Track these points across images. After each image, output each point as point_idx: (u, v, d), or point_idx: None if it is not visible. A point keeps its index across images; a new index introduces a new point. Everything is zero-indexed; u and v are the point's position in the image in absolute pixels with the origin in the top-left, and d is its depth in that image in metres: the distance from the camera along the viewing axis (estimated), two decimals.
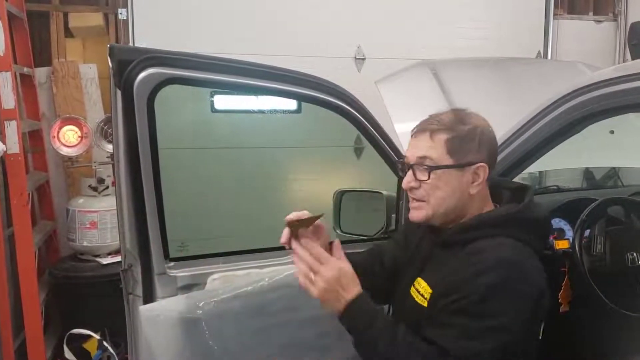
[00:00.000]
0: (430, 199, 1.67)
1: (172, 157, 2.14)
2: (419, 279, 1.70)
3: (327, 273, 1.60)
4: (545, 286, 1.59)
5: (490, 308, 1.49)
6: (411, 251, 1.86)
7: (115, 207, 3.82)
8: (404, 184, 1.71)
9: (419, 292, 1.68)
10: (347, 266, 1.63)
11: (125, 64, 1.75)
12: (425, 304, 1.64)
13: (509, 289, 1.51)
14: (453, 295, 1.53)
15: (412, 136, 1.73)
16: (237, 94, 2.43)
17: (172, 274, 2.00)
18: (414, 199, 1.71)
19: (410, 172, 1.69)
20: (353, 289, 1.61)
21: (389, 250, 1.98)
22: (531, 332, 1.62)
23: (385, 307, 1.90)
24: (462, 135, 1.64)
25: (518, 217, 1.65)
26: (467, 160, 1.64)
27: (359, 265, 1.72)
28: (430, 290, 1.64)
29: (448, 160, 1.64)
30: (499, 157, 2.03)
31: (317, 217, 1.71)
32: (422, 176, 1.66)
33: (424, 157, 1.66)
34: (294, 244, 1.67)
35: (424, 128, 1.68)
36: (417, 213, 1.70)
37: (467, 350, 1.48)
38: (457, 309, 1.52)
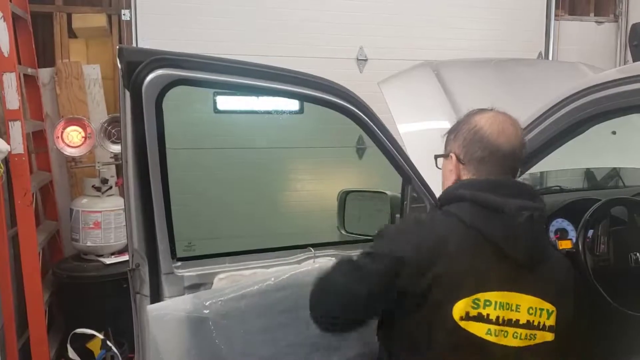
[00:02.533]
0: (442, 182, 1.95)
1: (177, 157, 2.15)
2: None
3: None
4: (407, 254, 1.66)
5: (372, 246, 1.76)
6: None
7: (119, 207, 3.92)
8: None
9: None
10: None
11: (134, 66, 1.76)
12: None
13: (377, 237, 1.79)
14: None
15: None
16: (244, 95, 2.44)
17: (179, 274, 2.01)
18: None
19: None
20: None
21: None
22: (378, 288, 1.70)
23: None
24: (452, 129, 1.87)
25: (446, 192, 1.83)
26: (447, 149, 1.86)
27: None
28: None
29: (441, 151, 1.91)
30: None
31: None
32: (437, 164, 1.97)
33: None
34: None
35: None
36: None
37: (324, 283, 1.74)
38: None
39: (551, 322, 1.71)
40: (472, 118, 1.80)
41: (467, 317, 1.64)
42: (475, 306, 1.64)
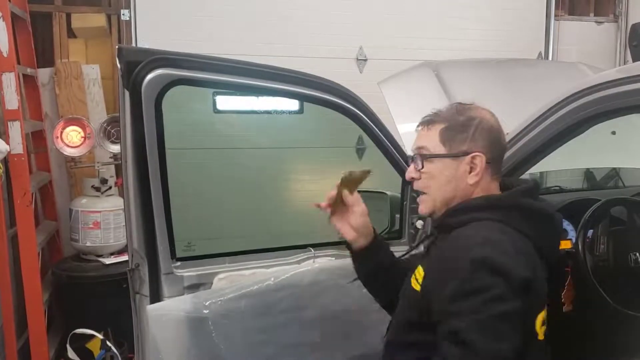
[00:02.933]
0: (430, 190, 1.71)
1: (177, 157, 2.15)
2: (419, 267, 1.71)
3: None
4: (528, 272, 1.52)
5: (479, 282, 1.45)
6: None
7: (118, 207, 3.91)
8: (406, 175, 1.76)
9: (416, 278, 1.68)
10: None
11: (133, 65, 1.76)
12: (419, 288, 1.64)
13: (489, 263, 1.47)
14: (444, 280, 1.52)
15: (415, 130, 1.78)
16: (243, 95, 2.44)
17: (178, 274, 2.02)
18: (416, 191, 1.76)
19: (411, 164, 1.75)
20: None
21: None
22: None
23: None
24: (457, 125, 1.67)
25: (504, 203, 1.64)
26: (461, 149, 1.65)
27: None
28: (423, 274, 1.65)
29: (441, 150, 1.67)
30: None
31: (367, 172, 1.85)
32: (419, 166, 1.71)
33: (420, 147, 1.72)
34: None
35: (424, 120, 1.74)
36: (422, 206, 1.75)
37: (480, 332, 1.42)
38: (452, 295, 1.48)
39: None
40: (475, 112, 1.69)
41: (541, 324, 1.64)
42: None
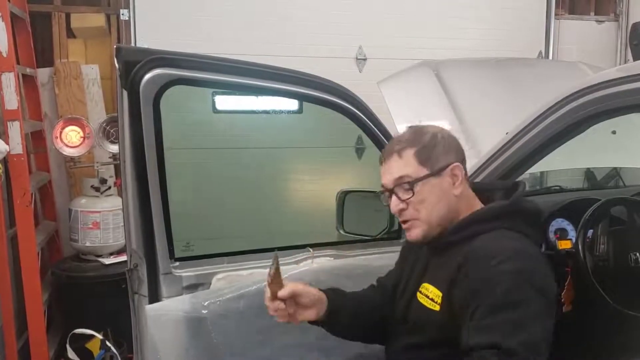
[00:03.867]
0: (421, 214, 1.68)
1: (176, 157, 2.14)
2: (425, 284, 1.70)
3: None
4: (553, 277, 1.62)
5: (518, 296, 1.48)
6: (410, 265, 1.85)
7: (118, 207, 3.91)
8: (393, 209, 1.72)
9: (427, 297, 1.67)
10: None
11: (131, 65, 1.76)
12: (438, 308, 1.63)
13: (528, 276, 1.52)
14: (478, 296, 1.51)
15: (381, 164, 1.76)
16: (242, 95, 2.44)
17: (177, 274, 2.01)
18: (405, 221, 1.72)
19: (394, 197, 1.70)
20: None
21: (390, 279, 1.96)
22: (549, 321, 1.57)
23: None
24: (427, 144, 1.69)
25: (511, 210, 1.68)
26: (440, 165, 1.68)
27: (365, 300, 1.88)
28: (440, 293, 1.63)
29: (424, 171, 1.67)
30: (502, 158, 2.05)
31: (275, 258, 1.69)
32: (406, 195, 1.68)
33: (400, 177, 1.69)
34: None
35: (390, 151, 1.73)
36: (414, 232, 1.71)
37: (524, 345, 1.43)
38: (490, 307, 1.49)
39: None
40: (433, 129, 1.74)
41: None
42: None
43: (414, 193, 1.66)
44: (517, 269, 1.51)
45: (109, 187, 4.08)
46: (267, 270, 1.67)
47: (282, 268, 1.90)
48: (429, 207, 1.67)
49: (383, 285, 1.94)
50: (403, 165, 1.68)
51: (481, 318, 1.49)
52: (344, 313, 1.81)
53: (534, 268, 1.55)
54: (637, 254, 2.29)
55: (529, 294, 1.49)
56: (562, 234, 2.51)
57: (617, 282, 2.26)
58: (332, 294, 1.81)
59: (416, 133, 1.72)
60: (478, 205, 1.75)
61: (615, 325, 2.25)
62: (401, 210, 1.70)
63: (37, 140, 4.29)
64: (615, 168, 3.63)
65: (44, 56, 4.53)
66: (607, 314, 2.23)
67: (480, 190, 1.79)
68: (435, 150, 1.68)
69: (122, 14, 4.59)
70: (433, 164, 1.67)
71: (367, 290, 1.97)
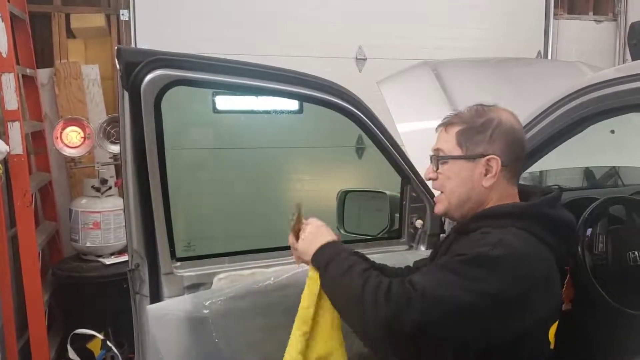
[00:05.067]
0: (445, 190, 1.73)
1: (177, 157, 2.15)
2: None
3: (307, 228, 1.72)
4: (542, 282, 1.53)
5: (475, 272, 1.43)
6: (439, 249, 1.86)
7: (118, 208, 3.92)
8: (424, 175, 1.79)
9: None
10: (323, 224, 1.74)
11: (132, 66, 1.76)
12: None
13: (501, 265, 1.45)
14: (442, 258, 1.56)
15: (435, 131, 1.79)
16: (242, 95, 2.44)
17: (178, 274, 2.02)
18: (435, 189, 1.78)
19: (429, 165, 1.76)
20: (327, 237, 1.69)
21: (424, 262, 1.98)
22: (512, 323, 1.50)
23: None
24: (475, 127, 1.67)
25: (526, 211, 1.63)
26: (477, 151, 1.66)
27: None
28: None
29: (458, 152, 1.68)
30: None
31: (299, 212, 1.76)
32: (436, 167, 1.73)
33: (438, 149, 1.73)
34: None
35: (443, 121, 1.75)
36: (438, 206, 1.77)
37: (432, 291, 1.38)
38: (443, 264, 1.50)
39: None
40: (494, 114, 1.69)
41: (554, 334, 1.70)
42: None
43: (438, 168, 1.71)
44: (495, 256, 1.46)
45: (110, 188, 4.08)
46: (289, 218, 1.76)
47: (283, 267, 1.92)
48: (451, 186, 1.70)
49: (417, 267, 1.96)
50: (445, 139, 1.71)
51: (429, 267, 1.55)
52: None
53: (517, 267, 1.47)
54: (636, 253, 2.30)
55: (483, 277, 1.42)
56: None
57: (616, 280, 2.27)
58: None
59: (475, 113, 1.70)
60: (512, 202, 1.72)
61: (614, 324, 2.26)
62: (430, 179, 1.76)
63: (37, 141, 4.29)
64: (614, 167, 3.64)
65: (44, 57, 4.53)
66: (606, 313, 2.24)
67: (523, 192, 1.76)
68: (479, 135, 1.66)
69: (122, 14, 4.59)
70: (470, 148, 1.67)
71: (400, 268, 1.99)
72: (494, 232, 1.55)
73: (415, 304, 1.36)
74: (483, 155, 1.65)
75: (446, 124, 1.73)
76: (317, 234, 1.71)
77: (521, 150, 1.72)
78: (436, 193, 1.82)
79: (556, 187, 3.39)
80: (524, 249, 1.51)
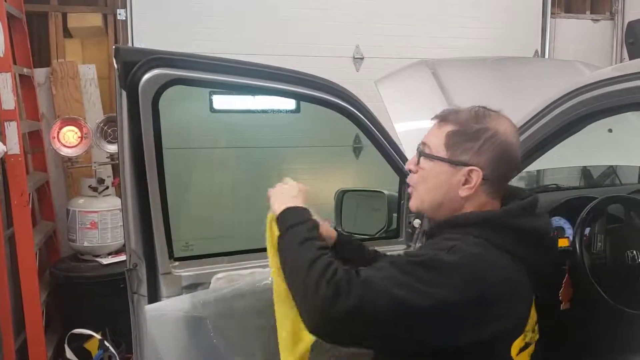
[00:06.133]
0: (418, 188, 1.65)
1: (174, 157, 2.15)
2: None
3: (289, 183, 1.75)
4: (498, 293, 1.46)
5: (421, 273, 1.40)
6: None
7: (116, 207, 3.91)
8: (406, 165, 1.72)
9: None
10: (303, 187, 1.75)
11: (130, 65, 1.76)
12: None
13: (450, 270, 1.41)
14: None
15: (431, 120, 1.70)
16: (240, 94, 2.44)
17: (176, 274, 2.02)
18: (409, 183, 1.70)
19: (414, 156, 1.68)
20: (299, 202, 1.68)
21: None
22: (457, 330, 1.45)
23: None
24: (467, 133, 1.57)
25: (491, 221, 1.54)
26: (462, 159, 1.56)
27: None
28: None
29: (442, 153, 1.59)
30: None
31: None
32: (418, 160, 1.65)
33: (424, 143, 1.64)
34: None
35: (440, 114, 1.65)
36: (411, 202, 1.70)
37: (373, 283, 1.38)
38: (394, 260, 1.49)
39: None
40: (492, 124, 1.58)
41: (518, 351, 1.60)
42: None
43: (419, 163, 1.64)
44: (446, 261, 1.42)
45: (107, 187, 4.08)
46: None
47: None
48: (426, 187, 1.63)
49: None
50: (435, 135, 1.62)
51: (380, 263, 1.51)
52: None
53: (467, 275, 1.42)
54: (634, 252, 2.31)
55: (429, 279, 1.39)
56: (559, 232, 2.53)
57: (615, 279, 2.28)
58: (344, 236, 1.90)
59: (473, 116, 1.59)
60: None
61: (612, 323, 2.26)
62: (410, 171, 1.68)
63: (34, 141, 4.28)
64: (611, 166, 3.65)
65: (41, 56, 4.52)
66: (604, 312, 2.25)
67: (506, 194, 1.66)
68: (468, 143, 1.56)
69: (119, 14, 4.59)
70: (455, 153, 1.57)
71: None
72: (453, 240, 1.50)
73: (354, 290, 1.35)
74: (466, 165, 1.56)
75: (442, 119, 1.63)
76: (295, 194, 1.71)
77: (510, 167, 1.62)
78: None
79: (554, 186, 3.39)
80: (478, 257, 1.46)
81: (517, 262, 1.52)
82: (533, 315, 1.62)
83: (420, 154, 1.64)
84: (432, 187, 1.62)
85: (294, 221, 1.61)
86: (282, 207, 1.66)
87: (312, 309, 1.40)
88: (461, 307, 1.41)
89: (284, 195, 1.71)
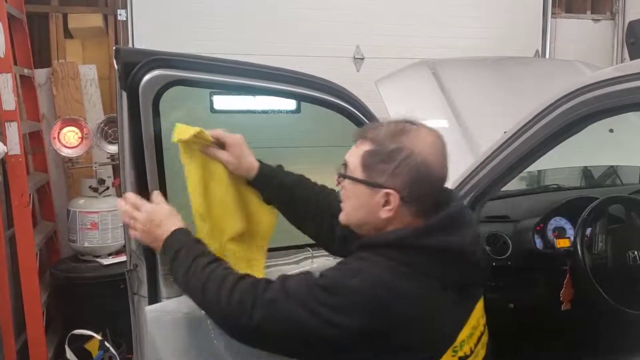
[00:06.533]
0: (345, 204, 1.62)
1: (175, 157, 2.14)
2: None
3: (140, 216, 1.72)
4: (407, 316, 1.43)
5: (325, 298, 1.42)
6: None
7: (116, 208, 3.88)
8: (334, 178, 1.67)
9: None
10: (159, 207, 1.74)
11: (130, 66, 1.75)
12: None
13: (354, 295, 1.41)
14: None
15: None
16: (240, 95, 2.44)
17: None
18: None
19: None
20: (168, 226, 1.69)
21: None
22: (363, 354, 1.45)
23: None
24: (382, 153, 1.51)
25: (402, 242, 1.49)
26: (378, 181, 1.51)
27: None
28: None
29: (359, 174, 1.54)
30: (500, 157, 2.05)
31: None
32: (338, 179, 1.63)
33: (345, 162, 1.60)
34: (118, 200, 1.83)
35: (359, 131, 1.61)
36: (340, 217, 1.66)
37: (281, 304, 1.44)
38: (308, 278, 1.50)
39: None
40: (409, 141, 1.49)
41: None
42: None
43: (339, 183, 1.62)
44: (350, 285, 1.42)
45: (107, 188, 4.08)
46: None
47: (280, 268, 1.91)
48: (349, 206, 1.60)
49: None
50: (354, 153, 1.57)
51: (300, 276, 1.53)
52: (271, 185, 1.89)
53: (371, 299, 1.40)
54: (636, 252, 2.30)
55: (332, 304, 1.41)
56: (560, 232, 2.53)
57: (616, 280, 2.27)
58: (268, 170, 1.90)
59: (389, 134, 1.52)
60: None
61: (613, 323, 2.26)
62: (338, 184, 1.64)
63: (35, 141, 4.28)
64: (612, 166, 3.65)
65: (42, 57, 4.52)
66: (605, 312, 2.25)
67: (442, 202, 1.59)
68: (383, 165, 1.50)
69: (120, 14, 4.59)
70: (372, 175, 1.52)
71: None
72: (364, 261, 1.48)
73: (256, 313, 1.44)
74: (382, 187, 1.50)
75: (360, 136, 1.58)
76: (166, 215, 1.72)
77: (431, 185, 1.53)
78: None
79: (555, 186, 3.38)
80: (384, 284, 1.42)
81: (434, 282, 1.47)
82: (468, 329, 1.56)
83: (339, 174, 1.60)
84: (354, 207, 1.58)
85: (178, 246, 1.66)
86: (165, 235, 1.69)
87: (221, 323, 1.55)
88: (363, 336, 1.42)
89: (155, 224, 1.72)
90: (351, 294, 1.41)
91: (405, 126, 1.52)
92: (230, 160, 1.82)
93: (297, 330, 1.42)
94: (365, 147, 1.54)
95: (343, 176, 1.59)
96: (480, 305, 1.64)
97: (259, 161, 1.89)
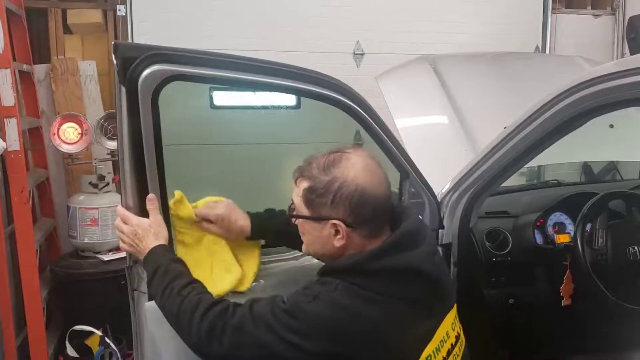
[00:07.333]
0: (303, 239, 1.71)
1: (174, 153, 2.14)
2: None
3: (126, 230, 1.78)
4: (365, 339, 1.49)
5: (288, 321, 1.49)
6: None
7: (116, 204, 3.85)
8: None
9: None
10: (143, 221, 1.79)
11: (129, 61, 1.74)
12: None
13: (312, 318, 1.48)
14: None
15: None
16: (240, 90, 2.43)
17: None
18: None
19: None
20: (149, 242, 1.75)
21: None
22: None
23: None
24: (318, 188, 1.59)
25: (357, 267, 1.55)
26: (322, 214, 1.59)
27: None
28: None
29: (305, 211, 1.63)
30: (500, 152, 2.05)
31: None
32: (290, 218, 1.72)
33: (291, 202, 1.69)
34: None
35: (297, 170, 1.68)
36: (303, 247, 1.75)
37: (248, 328, 1.51)
38: (274, 302, 1.55)
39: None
40: (340, 172, 1.57)
41: None
42: None
43: (297, 222, 1.69)
44: (309, 310, 1.49)
45: (107, 184, 4.07)
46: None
47: (280, 264, 1.91)
48: (307, 241, 1.69)
49: None
50: (296, 192, 1.66)
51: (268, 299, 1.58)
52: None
53: (330, 323, 1.48)
54: (636, 248, 2.30)
55: (295, 328, 1.48)
56: (560, 228, 2.53)
57: (616, 275, 2.27)
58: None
59: (322, 168, 1.60)
60: None
61: (613, 319, 2.26)
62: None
63: (34, 137, 4.27)
64: (612, 161, 3.65)
65: (41, 52, 4.52)
66: (605, 308, 2.25)
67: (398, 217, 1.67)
68: (321, 199, 1.58)
69: (119, 10, 4.59)
70: (315, 210, 1.60)
71: None
72: (325, 285, 1.54)
73: (225, 339, 1.52)
74: (327, 219, 1.58)
75: (299, 174, 1.66)
76: (147, 230, 1.77)
77: (374, 206, 1.58)
78: None
79: (555, 181, 3.38)
80: (342, 309, 1.48)
81: (395, 302, 1.53)
82: (435, 343, 1.60)
83: (288, 214, 1.71)
84: (310, 241, 1.67)
85: (155, 267, 1.72)
86: (145, 251, 1.75)
87: (194, 350, 1.61)
88: (324, 356, 1.48)
89: (138, 239, 1.78)
90: (311, 318, 1.48)
91: (335, 157, 1.61)
92: (219, 232, 1.93)
93: (264, 354, 1.50)
94: (304, 184, 1.62)
95: (292, 216, 1.69)
96: (450, 318, 1.68)
97: (249, 215, 1.97)
